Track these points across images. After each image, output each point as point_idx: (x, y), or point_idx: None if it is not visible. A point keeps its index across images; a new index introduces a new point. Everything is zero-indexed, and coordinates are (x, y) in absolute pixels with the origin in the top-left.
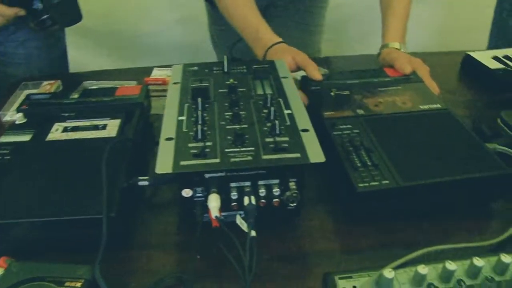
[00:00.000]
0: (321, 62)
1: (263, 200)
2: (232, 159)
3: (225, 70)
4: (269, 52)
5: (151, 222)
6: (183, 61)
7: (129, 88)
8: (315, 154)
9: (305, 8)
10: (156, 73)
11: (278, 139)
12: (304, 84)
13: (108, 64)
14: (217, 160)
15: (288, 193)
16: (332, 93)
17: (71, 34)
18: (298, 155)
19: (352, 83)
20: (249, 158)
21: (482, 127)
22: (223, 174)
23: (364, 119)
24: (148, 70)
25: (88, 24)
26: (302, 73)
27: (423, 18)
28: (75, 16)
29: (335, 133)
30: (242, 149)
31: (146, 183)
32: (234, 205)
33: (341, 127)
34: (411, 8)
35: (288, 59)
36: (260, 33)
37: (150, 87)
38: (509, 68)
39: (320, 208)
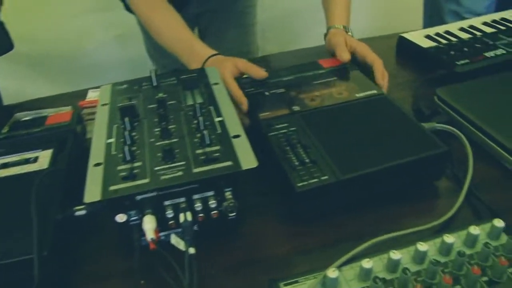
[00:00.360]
0: (260, 61)
1: (201, 214)
2: (162, 177)
3: (154, 84)
4: (206, 65)
5: (92, 252)
6: (125, 78)
7: (60, 115)
8: (247, 160)
9: (239, 9)
10: (91, 95)
11: (209, 149)
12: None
13: (46, 91)
14: (147, 180)
15: (225, 204)
16: (267, 93)
17: (2, 63)
18: (229, 163)
19: (287, 80)
20: (180, 173)
21: (420, 107)
22: (154, 194)
23: (300, 116)
24: (84, 93)
25: (21, 49)
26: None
27: (357, 3)
28: (6, 45)
29: (271, 134)
30: (173, 165)
31: (83, 212)
32: (172, 223)
33: (277, 126)
34: None
35: (229, 67)
36: (195, 48)
37: (86, 111)
38: (441, 45)
39: (265, 212)
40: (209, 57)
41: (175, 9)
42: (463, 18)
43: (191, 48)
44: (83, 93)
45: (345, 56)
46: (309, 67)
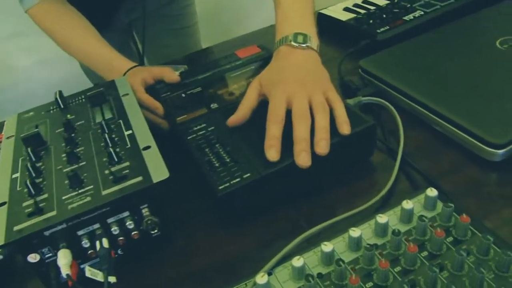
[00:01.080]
0: (197, 57)
1: (120, 238)
2: (70, 206)
3: (62, 106)
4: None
5: None
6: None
7: None
8: (159, 172)
9: (174, 13)
10: None
11: (118, 167)
12: (155, 94)
13: None
14: (54, 213)
15: (144, 222)
16: (183, 95)
17: None
18: (139, 178)
19: (204, 77)
20: (88, 199)
21: (347, 82)
22: (64, 225)
23: (219, 113)
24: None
25: None
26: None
27: None
28: None
29: (189, 137)
30: (80, 190)
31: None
32: (91, 252)
33: (195, 128)
34: None
35: (140, 76)
36: (114, 64)
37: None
38: (359, 16)
39: (196, 220)
40: (128, 70)
41: (105, 19)
42: None
43: (110, 63)
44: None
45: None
46: (225, 60)
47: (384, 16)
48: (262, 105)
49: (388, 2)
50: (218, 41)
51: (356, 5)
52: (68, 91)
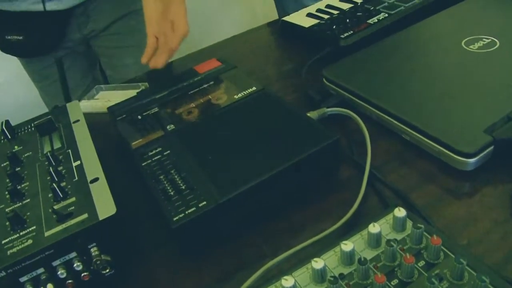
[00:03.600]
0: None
1: (69, 281)
2: (10, 251)
3: (9, 137)
4: None
5: None
6: None
7: None
8: (105, 207)
9: (127, 28)
10: None
11: (63, 203)
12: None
13: None
14: None
15: (94, 262)
16: (139, 117)
17: None
18: (85, 216)
19: (161, 96)
20: (29, 242)
21: (310, 93)
22: (3, 273)
23: (175, 135)
24: None
25: None
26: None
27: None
28: None
29: (144, 164)
30: (22, 233)
31: None
32: None
33: (151, 153)
34: None
35: None
36: None
37: None
38: (323, 21)
39: (154, 252)
40: None
41: (58, 34)
42: None
43: None
44: None
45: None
46: (184, 76)
47: (348, 20)
48: (219, 128)
49: (352, 5)
50: (183, 54)
51: (319, 10)
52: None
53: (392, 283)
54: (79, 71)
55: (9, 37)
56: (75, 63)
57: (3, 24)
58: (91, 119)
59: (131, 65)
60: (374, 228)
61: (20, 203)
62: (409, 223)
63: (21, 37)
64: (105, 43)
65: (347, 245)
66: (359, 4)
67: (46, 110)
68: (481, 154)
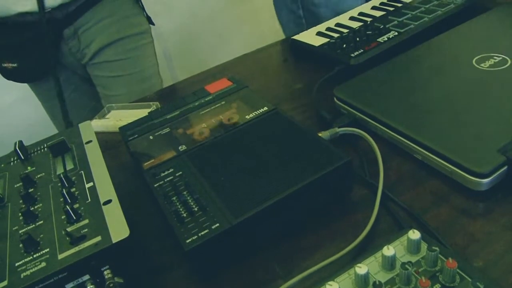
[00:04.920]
0: (166, 93)
1: None
2: (23, 274)
3: (22, 157)
4: None
5: None
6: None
7: None
8: (119, 230)
9: (114, 57)
10: None
11: (76, 225)
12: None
13: None
14: (5, 283)
15: (106, 285)
16: (151, 137)
17: None
18: (98, 238)
19: (172, 116)
20: (43, 264)
21: (322, 113)
22: None
23: (187, 156)
24: None
25: None
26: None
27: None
28: None
29: (156, 185)
30: (36, 255)
31: None
32: None
33: (163, 174)
34: None
35: None
36: None
37: None
38: (333, 40)
39: (169, 273)
40: None
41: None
42: None
43: None
44: None
45: None
46: (195, 96)
47: (358, 39)
48: (231, 149)
49: (362, 24)
50: (194, 73)
51: (329, 29)
52: (34, 138)
53: None
54: (86, 92)
55: (5, 65)
56: (81, 85)
57: None
58: (103, 137)
59: (123, 96)
60: (388, 251)
61: (34, 225)
62: (424, 245)
63: (15, 64)
64: (95, 72)
65: (361, 268)
66: (368, 22)
67: (55, 129)
68: (495, 174)
